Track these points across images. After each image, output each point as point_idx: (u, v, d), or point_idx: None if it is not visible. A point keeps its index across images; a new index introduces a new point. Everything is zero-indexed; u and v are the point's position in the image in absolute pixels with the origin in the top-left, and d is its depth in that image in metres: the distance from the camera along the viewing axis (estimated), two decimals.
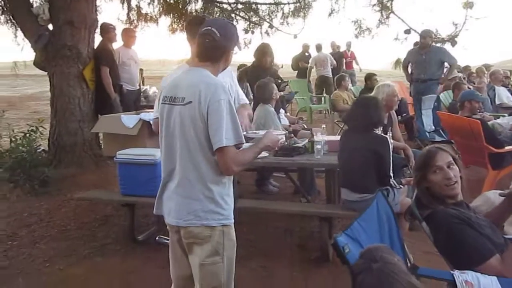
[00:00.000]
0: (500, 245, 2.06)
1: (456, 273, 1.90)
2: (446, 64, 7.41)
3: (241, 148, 2.06)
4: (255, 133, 3.48)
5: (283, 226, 4.16)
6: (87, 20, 5.77)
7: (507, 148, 4.78)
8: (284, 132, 3.27)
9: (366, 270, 1.45)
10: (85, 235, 4.13)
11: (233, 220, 2.12)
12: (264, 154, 3.66)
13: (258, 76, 5.03)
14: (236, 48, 2.19)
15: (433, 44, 7.45)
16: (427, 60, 7.06)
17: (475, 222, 2.09)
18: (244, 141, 2.04)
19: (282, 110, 5.71)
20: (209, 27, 2.03)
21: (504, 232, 2.35)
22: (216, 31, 2.00)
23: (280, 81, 5.61)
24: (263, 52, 5.32)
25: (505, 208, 2.33)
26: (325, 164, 3.77)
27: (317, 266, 3.43)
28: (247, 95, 5.93)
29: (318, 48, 12.14)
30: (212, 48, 2.05)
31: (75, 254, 3.76)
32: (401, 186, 3.32)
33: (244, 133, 2.77)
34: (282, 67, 12.43)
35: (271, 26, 9.51)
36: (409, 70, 7.60)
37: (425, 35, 7.20)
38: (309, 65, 12.06)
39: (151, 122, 3.40)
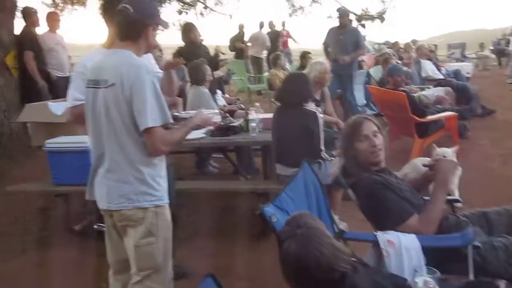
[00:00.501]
0: (419, 206, 2.22)
1: (379, 234, 2.04)
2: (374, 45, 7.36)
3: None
4: (188, 113, 3.48)
5: (223, 206, 4.22)
6: (6, 3, 5.43)
7: (430, 117, 5.11)
8: (216, 111, 3.28)
9: (291, 237, 1.52)
10: (19, 229, 3.96)
11: (167, 201, 2.12)
12: (200, 135, 3.68)
13: (193, 55, 4.99)
14: (160, 27, 2.16)
15: (351, 25, 7.36)
16: (344, 40, 6.85)
17: (396, 186, 2.23)
18: (171, 121, 2.04)
19: (219, 91, 5.72)
20: (123, 4, 1.99)
21: (429, 192, 2.51)
22: (129, 7, 1.96)
23: (219, 59, 5.60)
24: (187, 29, 5.29)
25: (428, 178, 2.49)
26: (261, 142, 3.84)
27: (258, 241, 3.52)
28: (184, 77, 5.89)
29: (261, 25, 12.14)
30: (127, 25, 2.01)
31: (9, 250, 3.61)
32: (332, 158, 3.46)
33: (177, 113, 2.77)
34: (224, 54, 12.22)
35: (205, 7, 9.42)
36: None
37: (343, 14, 7.00)
38: (246, 42, 12.08)
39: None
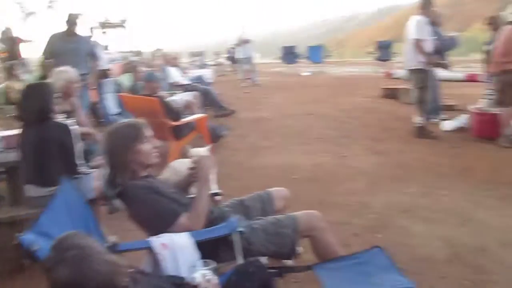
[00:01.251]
0: (186, 205, 2.30)
1: (152, 239, 2.02)
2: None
3: None
4: None
5: None
6: None
7: (183, 120, 5.38)
8: None
9: (60, 262, 1.35)
10: None
11: None
12: None
13: None
14: None
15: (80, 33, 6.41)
16: (77, 49, 6.04)
17: (162, 189, 2.26)
18: None
19: None
20: None
21: (189, 193, 2.62)
22: None
23: None
24: None
25: (191, 177, 2.58)
26: (4, 163, 3.32)
27: (12, 278, 3.02)
28: None
29: None
30: None
31: None
32: (91, 170, 3.26)
33: None
34: None
35: None
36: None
37: (75, 20, 6.11)
38: None
39: None
